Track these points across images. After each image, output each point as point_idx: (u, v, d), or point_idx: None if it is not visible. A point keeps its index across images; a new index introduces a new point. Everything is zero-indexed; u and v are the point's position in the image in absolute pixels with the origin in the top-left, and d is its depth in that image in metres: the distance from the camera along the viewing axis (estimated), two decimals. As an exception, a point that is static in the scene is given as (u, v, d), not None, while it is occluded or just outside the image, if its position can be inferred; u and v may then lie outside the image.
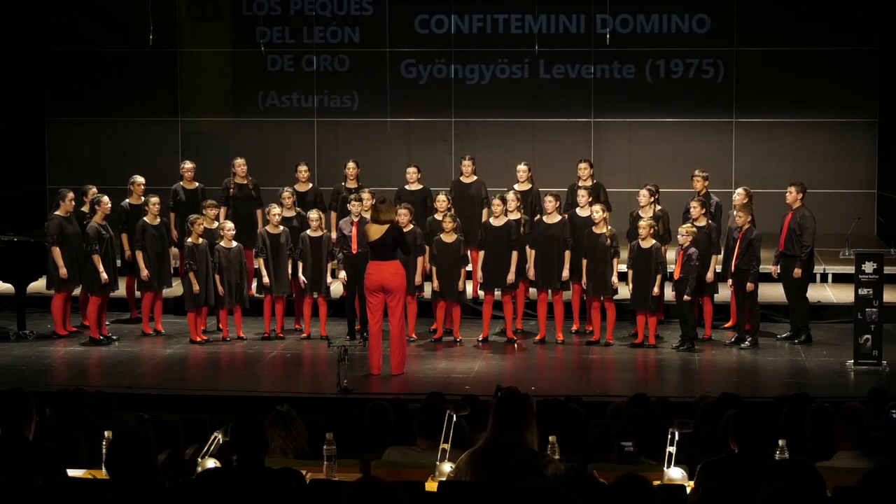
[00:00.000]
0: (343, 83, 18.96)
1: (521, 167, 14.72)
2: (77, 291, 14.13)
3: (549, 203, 13.66)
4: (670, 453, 6.42)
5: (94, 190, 14.34)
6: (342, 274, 13.83)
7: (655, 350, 13.45)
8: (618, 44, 17.99)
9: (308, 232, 13.87)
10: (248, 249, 14.10)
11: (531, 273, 13.74)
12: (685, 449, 6.89)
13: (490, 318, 13.90)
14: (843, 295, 14.85)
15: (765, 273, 13.81)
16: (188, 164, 15.22)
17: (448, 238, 13.58)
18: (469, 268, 14.40)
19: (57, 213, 13.85)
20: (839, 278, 15.59)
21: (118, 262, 14.20)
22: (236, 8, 18.99)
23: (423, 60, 18.84)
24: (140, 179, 14.63)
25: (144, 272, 13.86)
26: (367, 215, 13.02)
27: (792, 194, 13.79)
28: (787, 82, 18.35)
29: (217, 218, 14.21)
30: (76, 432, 7.62)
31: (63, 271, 13.64)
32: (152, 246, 13.93)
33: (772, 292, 14.42)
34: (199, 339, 13.70)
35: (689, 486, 6.18)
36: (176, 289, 14.39)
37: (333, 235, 14.16)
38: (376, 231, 12.31)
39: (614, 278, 13.46)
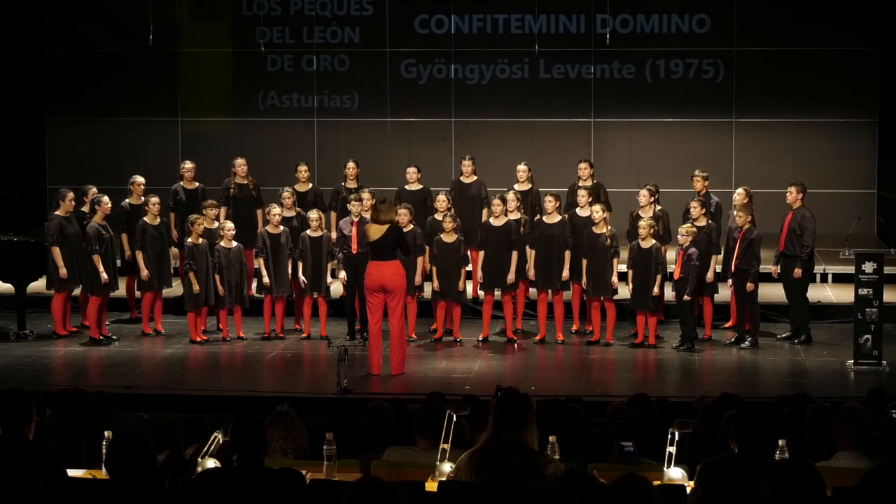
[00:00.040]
0: (343, 83, 18.96)
1: (521, 167, 14.73)
2: (77, 291, 14.13)
3: (549, 203, 13.66)
4: (670, 453, 6.42)
5: (94, 190, 14.34)
6: (342, 274, 13.83)
7: (655, 350, 13.45)
8: (618, 44, 17.99)
9: (308, 232, 13.87)
10: (248, 249, 14.10)
11: (531, 273, 13.74)
12: (685, 449, 6.89)
13: (490, 318, 13.90)
14: (843, 295, 14.86)
15: (765, 273, 13.81)
16: (188, 164, 15.22)
17: (448, 238, 13.58)
18: (469, 268, 14.40)
19: (57, 213, 13.85)
20: (839, 278, 15.60)
21: (118, 262, 14.20)
22: (236, 8, 18.99)
23: (423, 60, 18.84)
24: (140, 179, 14.63)
25: (144, 272, 13.86)
26: (367, 215, 13.02)
27: (792, 194, 13.79)
28: (787, 82, 18.35)
29: (217, 218, 14.21)
30: (76, 432, 7.62)
31: (63, 271, 13.64)
32: (152, 246, 13.93)
33: (772, 292, 14.42)
34: (199, 339, 13.70)
35: (689, 486, 6.18)
36: (176, 289, 14.39)
37: (333, 235, 14.16)
38: (376, 231, 12.31)
39: (614, 278, 13.46)
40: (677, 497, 5.99)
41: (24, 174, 18.96)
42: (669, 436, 6.45)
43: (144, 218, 13.95)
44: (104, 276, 13.54)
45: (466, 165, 14.98)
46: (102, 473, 6.16)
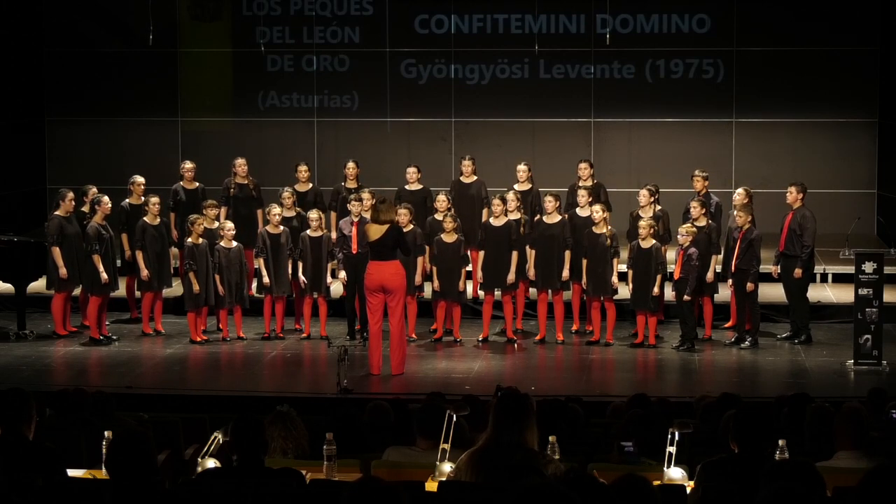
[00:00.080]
0: (343, 83, 18.96)
1: (521, 167, 14.73)
2: (77, 291, 14.13)
3: (549, 203, 13.66)
4: (670, 453, 6.42)
5: (94, 190, 14.34)
6: (342, 274, 13.83)
7: (655, 350, 13.45)
8: (618, 44, 17.99)
9: (308, 232, 13.87)
10: (248, 249, 14.10)
11: (531, 273, 13.74)
12: (685, 449, 6.89)
13: (490, 318, 13.90)
14: (843, 295, 14.85)
15: (765, 273, 13.81)
16: (188, 164, 15.22)
17: (448, 238, 13.58)
18: (469, 268, 14.40)
19: (57, 213, 13.85)
20: (839, 278, 15.60)
21: (118, 262, 14.20)
22: (236, 8, 18.99)
23: (423, 60, 18.84)
24: (140, 179, 14.63)
25: (144, 272, 13.86)
26: (367, 215, 13.02)
27: (792, 194, 13.79)
28: (787, 82, 18.35)
29: (217, 218, 14.21)
30: (76, 432, 7.62)
31: (63, 271, 13.64)
32: (152, 246, 13.93)
33: (772, 292, 14.42)
34: (199, 339, 13.70)
35: (689, 486, 6.18)
36: (176, 289, 14.39)
37: (333, 235, 14.16)
38: (376, 231, 12.31)
39: (614, 278, 13.46)
40: (677, 497, 5.99)
41: (24, 174, 18.96)
42: (669, 436, 6.45)
43: (144, 218, 13.95)
44: (104, 276, 13.54)
45: (466, 165, 14.98)
46: (102, 473, 6.16)
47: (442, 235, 13.61)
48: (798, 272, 13.53)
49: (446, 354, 13.37)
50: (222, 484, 5.77)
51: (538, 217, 13.86)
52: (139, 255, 13.86)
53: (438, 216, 13.90)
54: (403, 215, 13.21)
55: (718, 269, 13.85)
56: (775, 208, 14.74)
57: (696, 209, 13.71)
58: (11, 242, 14.21)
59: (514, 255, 13.59)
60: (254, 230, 14.40)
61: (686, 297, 13.36)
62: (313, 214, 13.91)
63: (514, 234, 13.64)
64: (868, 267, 12.73)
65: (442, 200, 14.05)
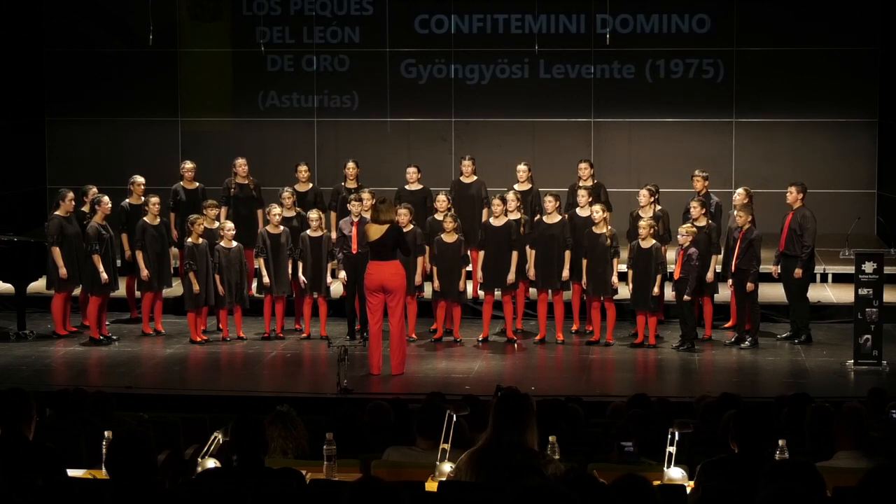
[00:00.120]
0: (343, 83, 18.96)
1: (521, 167, 14.73)
2: (77, 291, 14.13)
3: (549, 203, 13.66)
4: (670, 453, 6.42)
5: (95, 190, 14.34)
6: (342, 274, 13.83)
7: (655, 350, 13.45)
8: (618, 44, 17.99)
9: (308, 232, 13.87)
10: (248, 249, 14.10)
11: (531, 273, 13.74)
12: (685, 449, 6.89)
13: (490, 318, 13.90)
14: (843, 295, 14.85)
15: (765, 273, 13.81)
16: (188, 164, 15.22)
17: (449, 238, 13.58)
18: (469, 268, 14.40)
19: (57, 213, 13.85)
20: (839, 278, 15.60)
21: (118, 262, 14.20)
22: (236, 8, 18.99)
23: (423, 60, 18.84)
24: (140, 179, 14.63)
25: (144, 272, 13.86)
26: (367, 215, 13.02)
27: (792, 194, 13.79)
28: (787, 82, 18.35)
29: (217, 218, 14.21)
30: (76, 432, 7.62)
31: (63, 271, 13.64)
32: (152, 246, 13.93)
33: (772, 292, 14.42)
34: (199, 339, 13.70)
35: (689, 486, 6.18)
36: (176, 289, 14.39)
37: (333, 235, 14.16)
38: (376, 231, 12.32)
39: (614, 278, 13.46)
40: (677, 497, 5.98)
41: (24, 174, 18.96)
42: (669, 436, 6.45)
43: (144, 218, 13.95)
44: (104, 276, 13.54)
45: (466, 165, 14.98)
46: (102, 473, 6.16)
47: (442, 235, 13.61)
48: (798, 272, 13.53)
49: (446, 354, 13.37)
50: (222, 484, 5.77)
51: (538, 217, 13.86)
52: (139, 255, 13.86)
53: (438, 216, 13.90)
54: (403, 215, 13.21)
55: (718, 269, 13.85)
56: (775, 208, 14.74)
57: (696, 209, 13.71)
58: (11, 242, 14.21)
59: (514, 255, 13.59)
60: (254, 230, 14.40)
61: (686, 297, 13.36)
62: (313, 214, 13.91)
63: (514, 234, 13.64)
64: (868, 267, 12.73)
65: (442, 200, 14.05)
